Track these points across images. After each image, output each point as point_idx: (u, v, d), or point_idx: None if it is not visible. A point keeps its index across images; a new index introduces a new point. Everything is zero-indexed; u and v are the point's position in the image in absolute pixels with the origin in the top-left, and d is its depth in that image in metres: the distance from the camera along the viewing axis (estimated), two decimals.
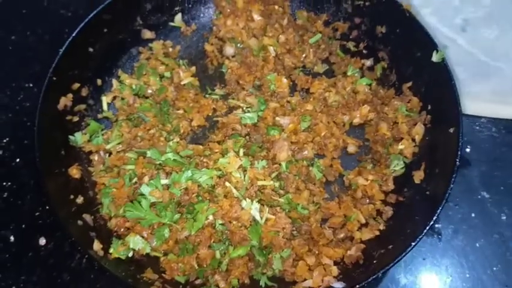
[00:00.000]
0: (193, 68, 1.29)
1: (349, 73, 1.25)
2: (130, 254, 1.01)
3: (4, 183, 1.20)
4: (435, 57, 1.08)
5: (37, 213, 1.16)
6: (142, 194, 1.03)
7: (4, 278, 1.11)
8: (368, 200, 1.09)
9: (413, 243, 0.88)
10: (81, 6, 1.40)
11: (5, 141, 1.24)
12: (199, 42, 1.34)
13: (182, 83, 1.25)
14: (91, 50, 1.19)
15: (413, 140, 1.11)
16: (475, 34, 1.28)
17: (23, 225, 1.15)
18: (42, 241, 1.13)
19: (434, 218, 0.90)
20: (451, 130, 1.00)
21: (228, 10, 1.32)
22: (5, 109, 1.28)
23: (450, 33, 1.29)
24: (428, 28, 1.13)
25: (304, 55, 1.29)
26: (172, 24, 1.32)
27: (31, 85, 1.30)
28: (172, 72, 1.26)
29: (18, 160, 1.22)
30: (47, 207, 1.16)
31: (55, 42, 1.20)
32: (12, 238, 1.14)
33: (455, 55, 1.24)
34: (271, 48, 1.28)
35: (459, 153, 0.95)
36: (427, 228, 0.89)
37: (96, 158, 1.14)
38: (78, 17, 1.16)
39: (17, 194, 1.19)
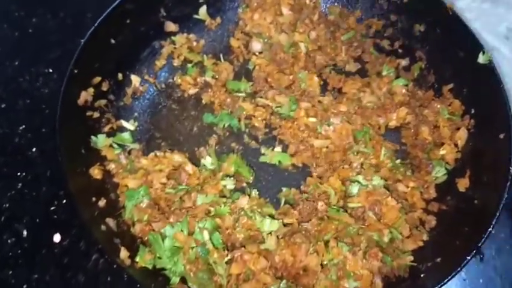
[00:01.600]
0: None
1: (384, 73, 1.19)
2: None
3: (19, 174, 1.13)
4: (481, 59, 1.03)
5: (53, 208, 1.09)
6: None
7: (15, 275, 1.04)
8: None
9: (468, 257, 0.82)
10: None
11: (21, 128, 1.17)
12: (224, 36, 1.27)
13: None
14: (112, 41, 1.12)
15: (456, 145, 1.06)
16: None
17: (37, 220, 1.08)
18: (57, 238, 1.06)
19: (490, 230, 0.84)
20: (501, 136, 0.94)
21: (255, 3, 1.25)
22: (22, 95, 1.21)
23: (493, 41, 1.24)
24: None
25: (335, 53, 1.24)
26: (196, 17, 1.24)
27: (51, 71, 1.23)
28: (214, 70, 1.21)
29: (34, 149, 1.14)
30: (64, 202, 1.08)
31: (77, 26, 1.14)
32: (25, 233, 1.07)
33: (498, 64, 1.18)
34: (302, 45, 1.21)
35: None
36: (483, 241, 0.83)
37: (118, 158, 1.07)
38: (102, 1, 1.08)
39: (32, 186, 1.11)
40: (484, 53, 1.03)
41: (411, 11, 1.17)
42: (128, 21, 1.14)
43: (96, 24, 1.06)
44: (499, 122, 0.96)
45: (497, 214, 0.85)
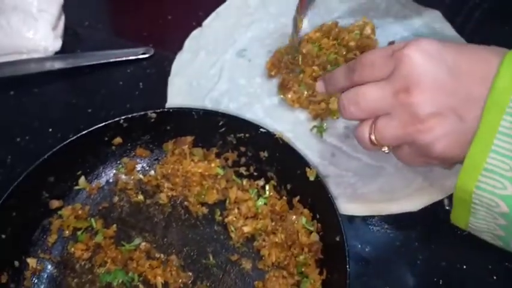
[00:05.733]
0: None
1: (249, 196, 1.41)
2: None
3: None
4: (310, 176, 1.27)
5: None
6: None
7: None
8: None
9: None
10: None
11: None
12: (107, 196, 1.44)
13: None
14: (3, 236, 1.25)
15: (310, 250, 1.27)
16: None
17: None
18: None
19: None
20: (337, 238, 1.17)
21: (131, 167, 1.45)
22: None
23: (335, 142, 1.47)
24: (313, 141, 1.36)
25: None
26: (76, 188, 1.41)
27: None
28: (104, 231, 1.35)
29: None
30: None
31: None
32: None
33: (342, 162, 1.42)
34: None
35: (348, 259, 1.12)
36: None
37: None
38: None
39: None
40: (310, 170, 1.27)
41: (253, 143, 1.41)
42: (14, 213, 1.28)
43: None
44: (334, 226, 1.19)
45: None
